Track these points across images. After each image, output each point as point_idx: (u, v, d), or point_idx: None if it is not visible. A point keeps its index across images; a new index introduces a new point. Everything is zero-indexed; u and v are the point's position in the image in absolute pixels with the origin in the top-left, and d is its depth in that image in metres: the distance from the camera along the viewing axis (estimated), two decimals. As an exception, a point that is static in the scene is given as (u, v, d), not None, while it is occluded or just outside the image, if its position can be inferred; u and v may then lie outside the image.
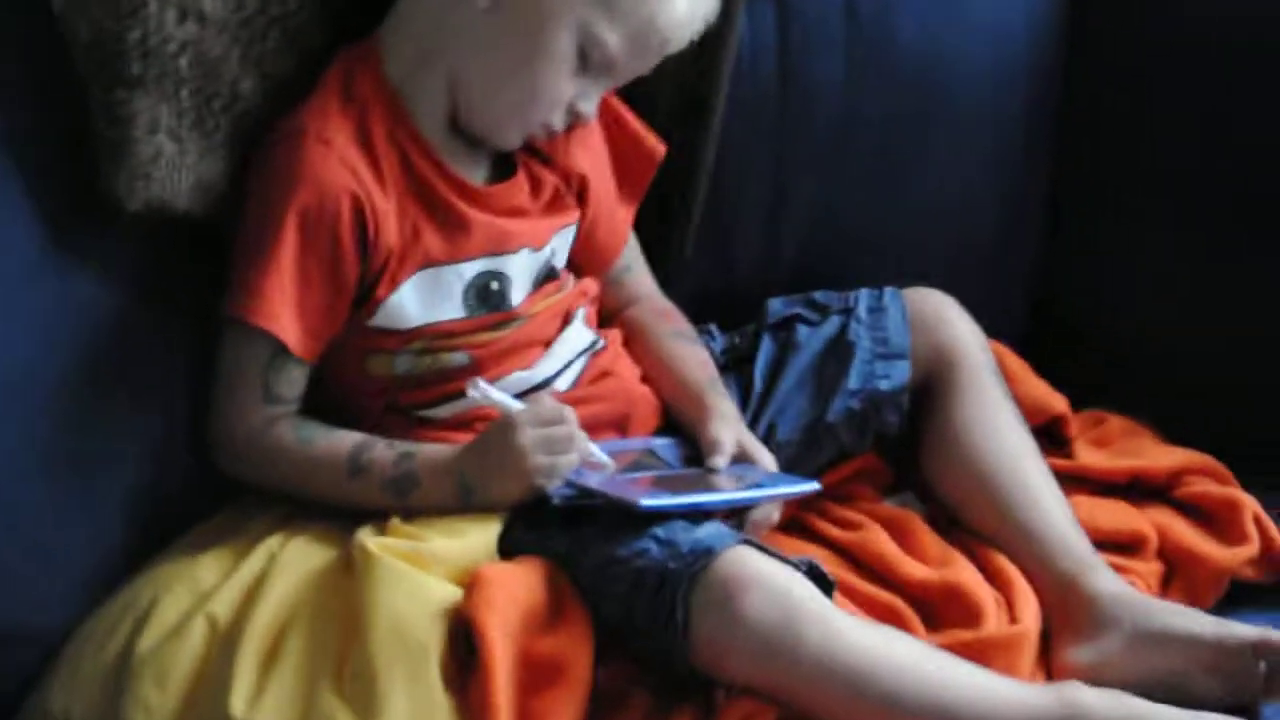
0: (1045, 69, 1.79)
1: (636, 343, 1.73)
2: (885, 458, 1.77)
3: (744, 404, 1.71)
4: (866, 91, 1.79)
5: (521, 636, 1.41)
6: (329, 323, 1.55)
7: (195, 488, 1.58)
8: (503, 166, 1.64)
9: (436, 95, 1.59)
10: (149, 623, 1.45)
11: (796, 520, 1.69)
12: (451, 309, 1.59)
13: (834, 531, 1.67)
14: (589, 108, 1.61)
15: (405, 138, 1.58)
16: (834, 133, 1.79)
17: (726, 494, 1.53)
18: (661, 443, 1.66)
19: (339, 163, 1.53)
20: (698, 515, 1.50)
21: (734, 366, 1.75)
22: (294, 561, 1.50)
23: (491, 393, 1.53)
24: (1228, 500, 1.71)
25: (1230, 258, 1.81)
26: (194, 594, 1.47)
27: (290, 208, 1.51)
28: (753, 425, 1.69)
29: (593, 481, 1.52)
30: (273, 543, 1.52)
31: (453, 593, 1.44)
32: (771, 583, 1.39)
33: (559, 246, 1.67)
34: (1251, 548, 1.66)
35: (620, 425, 1.66)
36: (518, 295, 1.62)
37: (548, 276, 1.66)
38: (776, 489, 1.57)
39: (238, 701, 1.36)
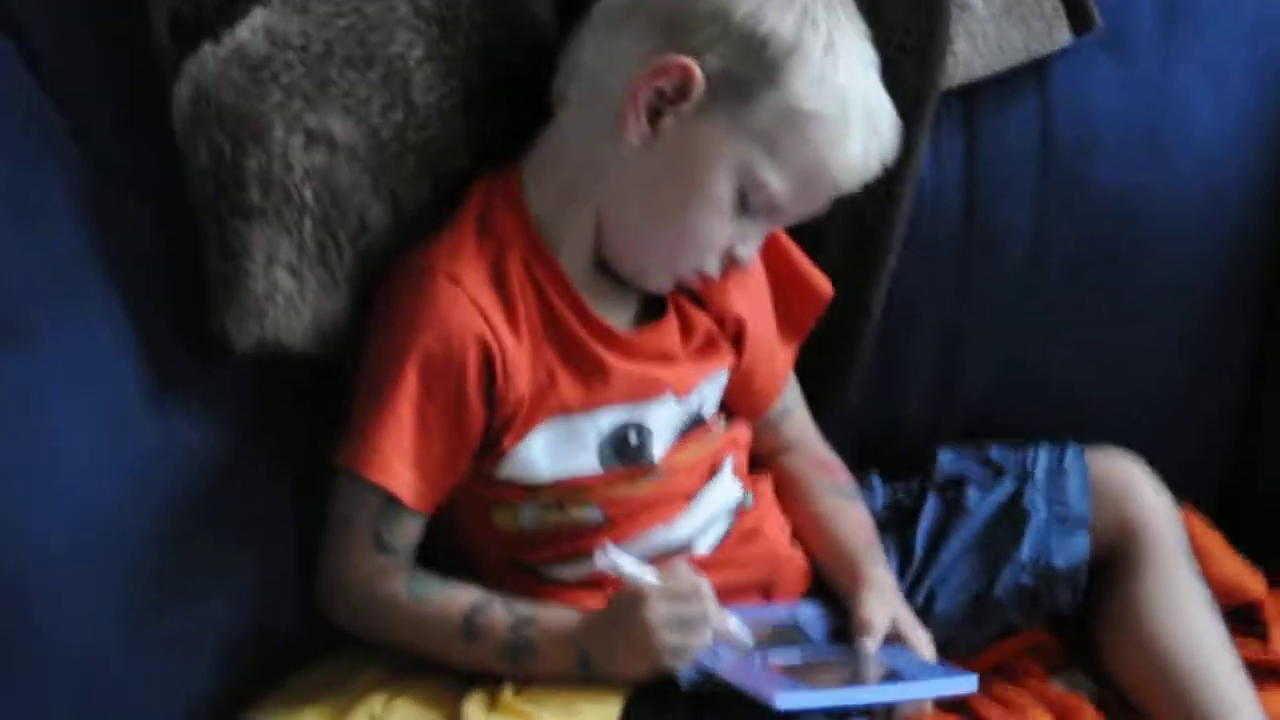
0: (1254, 225, 1.45)
1: (789, 495, 1.40)
2: (1056, 633, 1.42)
3: (903, 569, 1.39)
4: (1056, 238, 1.46)
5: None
6: (449, 474, 1.25)
7: (295, 637, 1.29)
8: (652, 307, 1.32)
9: (582, 233, 1.27)
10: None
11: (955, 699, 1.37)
12: (585, 461, 1.27)
13: (994, 715, 1.33)
14: (747, 252, 1.28)
15: (545, 277, 1.26)
16: (1019, 278, 1.46)
17: (871, 692, 1.22)
18: (808, 612, 1.34)
19: (469, 305, 1.22)
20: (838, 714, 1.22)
21: (894, 526, 1.41)
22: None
23: (623, 563, 1.22)
24: None
25: None
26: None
27: (413, 353, 1.21)
28: (910, 593, 1.37)
29: (726, 666, 1.21)
30: (375, 704, 1.22)
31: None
32: None
33: (709, 393, 1.35)
34: None
35: (764, 591, 1.35)
36: (659, 447, 1.30)
37: (694, 425, 1.33)
38: (928, 684, 1.24)
39: None
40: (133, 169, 1.23)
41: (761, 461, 1.43)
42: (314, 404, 1.30)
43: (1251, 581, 1.44)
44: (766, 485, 1.40)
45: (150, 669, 1.21)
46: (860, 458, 1.46)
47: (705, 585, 1.22)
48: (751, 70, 1.21)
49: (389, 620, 1.25)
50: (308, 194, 1.23)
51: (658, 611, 1.18)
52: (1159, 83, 1.46)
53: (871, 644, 1.26)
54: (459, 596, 1.25)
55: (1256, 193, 1.46)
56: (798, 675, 1.22)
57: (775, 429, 1.42)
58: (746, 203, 1.25)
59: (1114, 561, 1.38)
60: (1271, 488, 1.52)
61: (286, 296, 1.23)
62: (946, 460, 1.44)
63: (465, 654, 1.23)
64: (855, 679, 1.24)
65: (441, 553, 1.31)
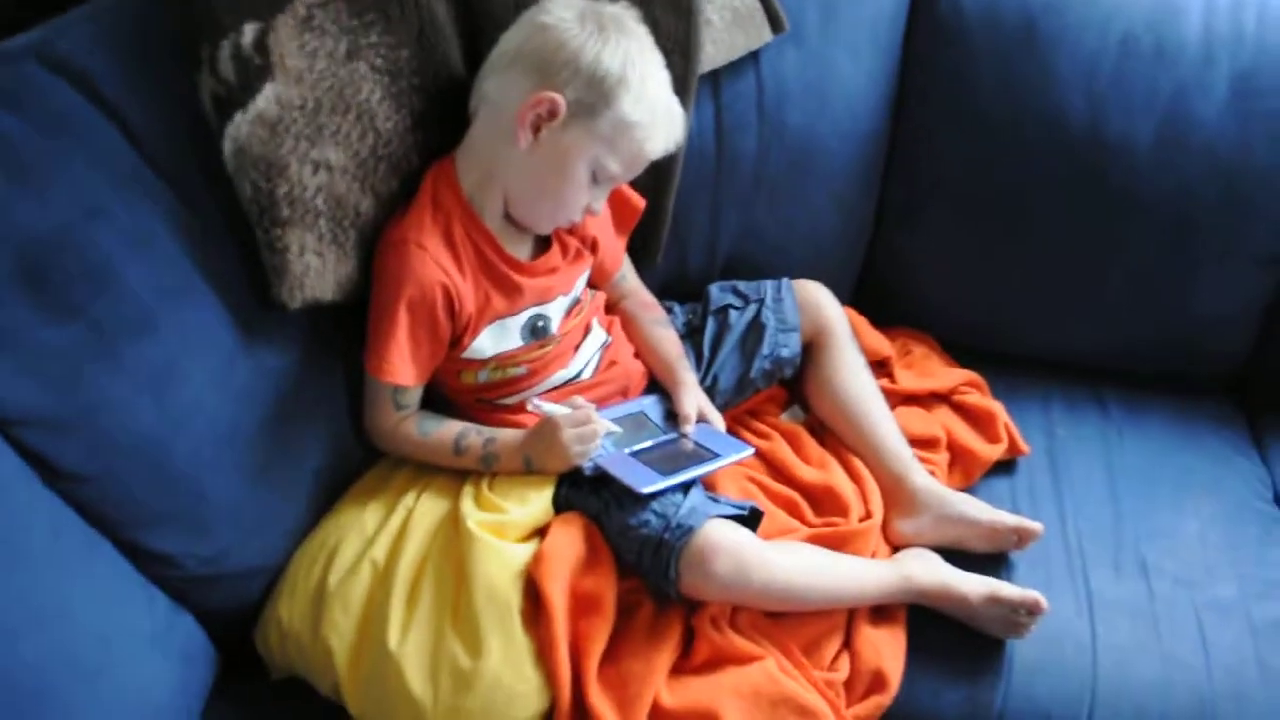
0: (874, 136, 1.29)
1: (630, 328, 1.27)
2: (783, 386, 1.32)
3: (698, 364, 1.27)
4: (769, 155, 1.28)
5: (570, 579, 1.05)
6: (433, 361, 1.12)
7: (358, 463, 1.15)
8: (543, 242, 1.16)
9: (496, 202, 1.10)
10: (334, 563, 1.08)
11: (731, 432, 1.24)
12: (512, 342, 1.14)
13: (754, 440, 1.24)
14: (598, 206, 1.13)
15: (476, 233, 1.10)
16: (748, 181, 1.29)
17: (695, 470, 1.10)
18: (649, 401, 1.23)
19: (433, 263, 1.07)
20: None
21: (690, 336, 1.29)
22: (425, 515, 1.10)
23: (543, 406, 1.12)
24: (987, 411, 1.29)
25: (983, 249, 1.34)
26: (362, 539, 1.09)
27: (401, 298, 1.06)
28: (703, 379, 1.26)
29: (607, 461, 1.11)
30: (409, 499, 1.11)
31: (526, 553, 1.06)
32: (728, 546, 1.04)
33: (580, 282, 1.20)
34: (1002, 446, 1.28)
35: (623, 393, 1.23)
36: (556, 324, 1.17)
37: (574, 304, 1.19)
38: (728, 457, 1.14)
39: (392, 635, 1.01)
40: (209, 202, 1.01)
41: (611, 308, 1.29)
42: (346, 328, 1.12)
43: (884, 345, 1.35)
44: (617, 326, 1.26)
45: (280, 497, 1.08)
46: (664, 294, 1.32)
47: (592, 410, 1.12)
48: (595, 97, 1.05)
49: (408, 448, 1.14)
50: (319, 202, 1.03)
51: (566, 431, 1.09)
52: (821, 58, 1.28)
53: (689, 427, 1.17)
54: (450, 429, 1.13)
55: (875, 118, 1.30)
56: (651, 460, 1.12)
57: (617, 288, 1.28)
58: (596, 179, 1.09)
59: (814, 345, 1.29)
60: (882, 279, 1.39)
61: (316, 270, 1.04)
62: (715, 294, 1.31)
63: (456, 462, 1.13)
64: (684, 459, 1.12)
65: (435, 396, 1.17)
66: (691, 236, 1.33)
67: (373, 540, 1.09)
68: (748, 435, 1.29)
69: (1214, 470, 1.32)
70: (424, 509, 1.11)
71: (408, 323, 1.08)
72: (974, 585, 1.11)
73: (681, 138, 1.14)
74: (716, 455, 1.14)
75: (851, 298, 1.43)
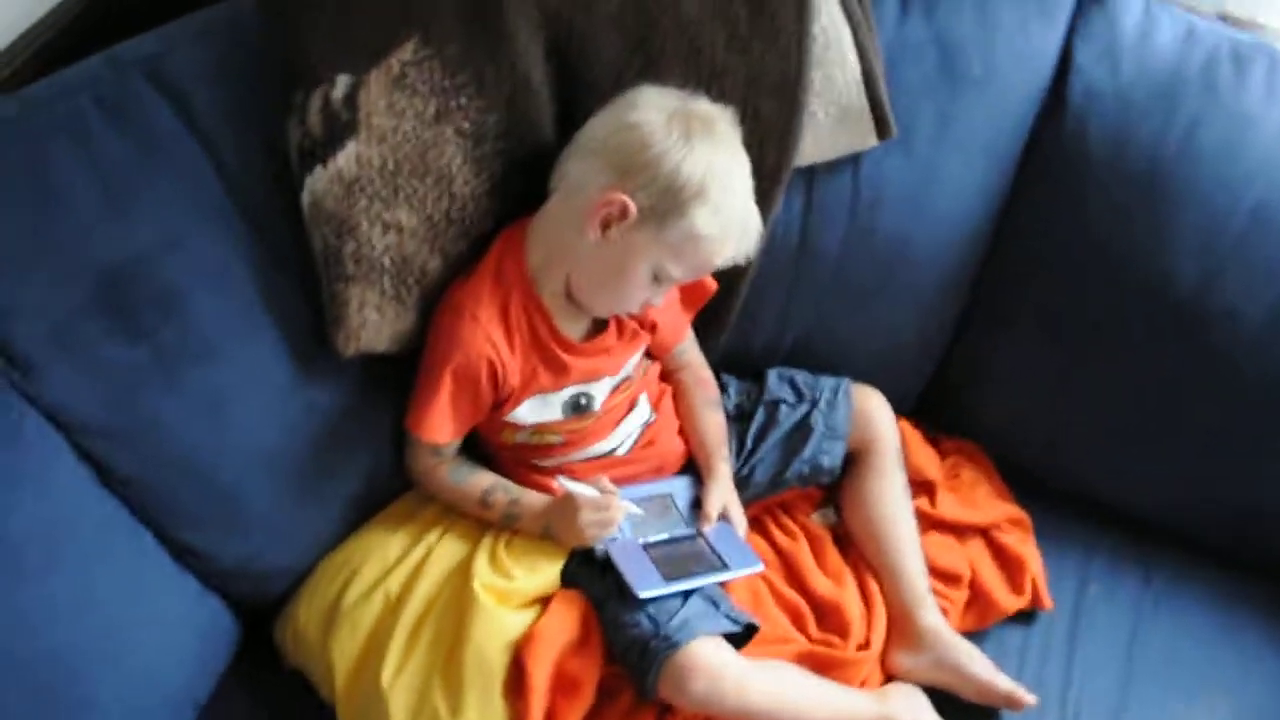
0: (968, 251, 1.22)
1: (679, 401, 1.26)
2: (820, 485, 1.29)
3: (739, 451, 1.26)
4: (852, 257, 1.23)
5: (558, 658, 1.08)
6: (472, 421, 1.14)
7: (394, 491, 1.18)
8: (599, 319, 1.15)
9: (557, 281, 1.10)
10: (353, 582, 1.14)
11: (759, 521, 1.27)
12: (552, 414, 1.15)
13: (778, 536, 1.26)
14: (658, 301, 1.12)
15: (533, 309, 1.11)
16: (827, 279, 1.24)
17: (699, 580, 1.10)
18: (680, 484, 1.23)
19: (484, 336, 1.08)
20: None
21: (737, 422, 1.27)
22: (443, 556, 1.14)
23: (567, 484, 1.15)
24: (1019, 558, 1.25)
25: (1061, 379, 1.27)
26: (382, 566, 1.15)
27: (449, 365, 1.09)
28: (741, 466, 1.25)
29: (616, 553, 1.12)
30: (431, 536, 1.16)
31: (522, 624, 1.09)
32: (707, 668, 1.05)
33: (633, 361, 1.19)
34: (1023, 600, 1.24)
35: (658, 471, 1.23)
36: (599, 402, 1.17)
37: (622, 382, 1.19)
38: (735, 571, 1.13)
39: (387, 672, 1.07)
40: (284, 242, 1.04)
41: (665, 376, 1.27)
42: (401, 370, 1.13)
43: (931, 468, 1.30)
44: (668, 403, 1.26)
45: (314, 514, 1.13)
46: (724, 366, 1.30)
47: (615, 497, 1.13)
48: (668, 206, 1.03)
49: (439, 491, 1.17)
50: (385, 261, 1.06)
51: (585, 514, 1.11)
52: (926, 167, 1.21)
53: (709, 526, 1.16)
54: (480, 482, 1.16)
55: (972, 234, 1.23)
56: (659, 558, 1.12)
57: (675, 359, 1.27)
58: (657, 278, 1.09)
59: (858, 456, 1.26)
60: (951, 388, 1.33)
61: (374, 325, 1.07)
62: (772, 383, 1.28)
63: (481, 514, 1.16)
64: (692, 564, 1.12)
65: (477, 445, 1.19)
66: (760, 318, 1.30)
67: (391, 570, 1.15)
68: (773, 532, 1.28)
69: (1242, 666, 1.25)
70: (444, 549, 1.16)
71: (451, 388, 1.10)
72: (949, 741, 1.13)
73: (754, 249, 1.11)
74: (725, 566, 1.14)
75: (916, 403, 1.39)
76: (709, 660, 1.06)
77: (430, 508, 1.21)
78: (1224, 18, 1.32)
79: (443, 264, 1.11)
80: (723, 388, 1.32)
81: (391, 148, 1.03)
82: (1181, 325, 1.21)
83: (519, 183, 1.12)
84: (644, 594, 1.09)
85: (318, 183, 1.01)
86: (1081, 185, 1.22)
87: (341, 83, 1.00)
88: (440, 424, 1.12)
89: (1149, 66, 1.20)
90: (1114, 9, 1.22)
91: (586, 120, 1.11)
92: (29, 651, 0.94)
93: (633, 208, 1.04)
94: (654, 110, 1.05)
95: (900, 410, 1.39)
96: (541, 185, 1.12)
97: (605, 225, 1.06)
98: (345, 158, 1.01)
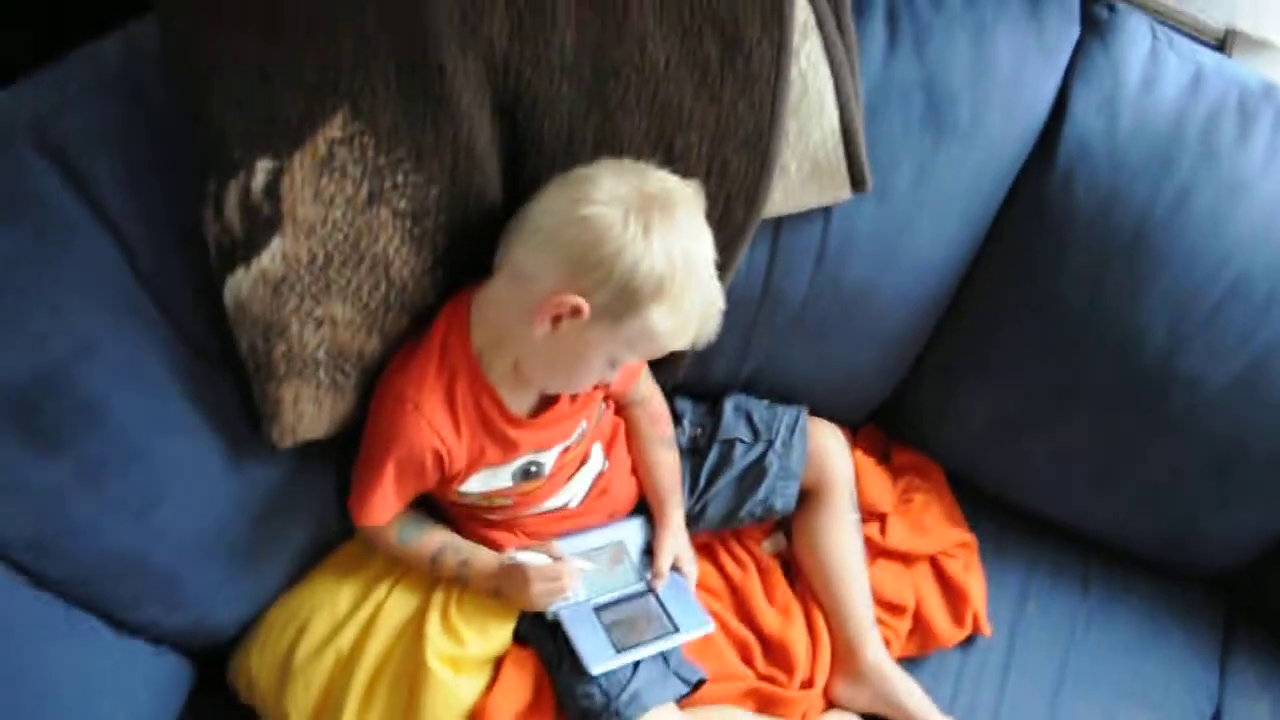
0: (941, 295, 1.18)
1: (631, 438, 1.22)
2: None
3: (692, 488, 1.24)
4: (817, 301, 1.16)
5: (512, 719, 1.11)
6: (416, 495, 1.10)
7: (339, 534, 1.15)
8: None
9: (505, 362, 1.03)
10: (303, 638, 1.13)
11: (709, 548, 1.27)
12: (501, 483, 1.11)
13: (729, 566, 1.26)
14: (612, 379, 1.07)
15: (480, 391, 1.04)
16: (789, 322, 1.17)
17: (650, 647, 1.10)
18: (632, 527, 1.21)
19: (428, 427, 1.02)
20: None
21: (690, 458, 1.24)
22: (393, 612, 1.13)
23: (519, 556, 1.11)
24: (961, 589, 1.27)
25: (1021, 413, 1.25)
26: (331, 622, 1.14)
27: (390, 455, 1.04)
28: (695, 501, 1.23)
29: (567, 621, 1.11)
30: (380, 591, 1.14)
31: (475, 691, 1.10)
32: None
33: (586, 422, 1.14)
34: (964, 631, 1.28)
35: (610, 517, 1.21)
36: (549, 467, 1.13)
37: (573, 443, 1.14)
38: (685, 634, 1.13)
39: (343, 730, 1.13)
40: (208, 334, 0.96)
41: (619, 409, 1.22)
42: (338, 445, 1.08)
43: (884, 501, 1.29)
44: (620, 447, 1.22)
45: (241, 578, 1.09)
46: (681, 389, 1.26)
47: (566, 567, 1.12)
48: (623, 306, 0.96)
49: (387, 551, 1.14)
50: (320, 354, 0.98)
51: (536, 585, 1.10)
52: (900, 219, 1.13)
53: (660, 582, 1.16)
54: (429, 543, 1.13)
55: (941, 284, 1.17)
56: (611, 622, 1.12)
57: (628, 396, 1.21)
58: (612, 364, 1.03)
59: (811, 495, 1.25)
60: (908, 406, 1.30)
61: (310, 416, 1.01)
62: (728, 418, 1.24)
63: (431, 572, 1.14)
64: (642, 628, 1.12)
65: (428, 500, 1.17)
66: (718, 351, 1.20)
67: (341, 626, 1.14)
68: (724, 561, 1.29)
69: (1165, 679, 1.32)
70: (393, 605, 1.14)
71: (394, 475, 1.06)
72: (879, 780, 1.20)
73: (715, 331, 1.03)
74: (675, 630, 1.14)
75: (872, 416, 1.37)
76: (656, 729, 1.12)
77: (378, 556, 1.18)
78: (1231, 31, 1.22)
79: (382, 344, 1.04)
80: (677, 417, 1.29)
81: (321, 240, 0.94)
82: (1144, 387, 1.19)
83: (463, 252, 1.03)
84: (596, 669, 1.10)
85: (241, 284, 0.92)
86: (1060, 242, 1.16)
87: (261, 170, 0.90)
88: (383, 508, 1.09)
89: (1149, 120, 1.11)
90: (1119, 48, 1.12)
91: (535, 185, 1.00)
92: None
93: (586, 309, 0.96)
94: (608, 200, 0.95)
95: (856, 423, 1.40)
96: (488, 251, 1.03)
97: (555, 320, 0.99)
98: (270, 256, 0.92)
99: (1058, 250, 1.16)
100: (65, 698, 1.01)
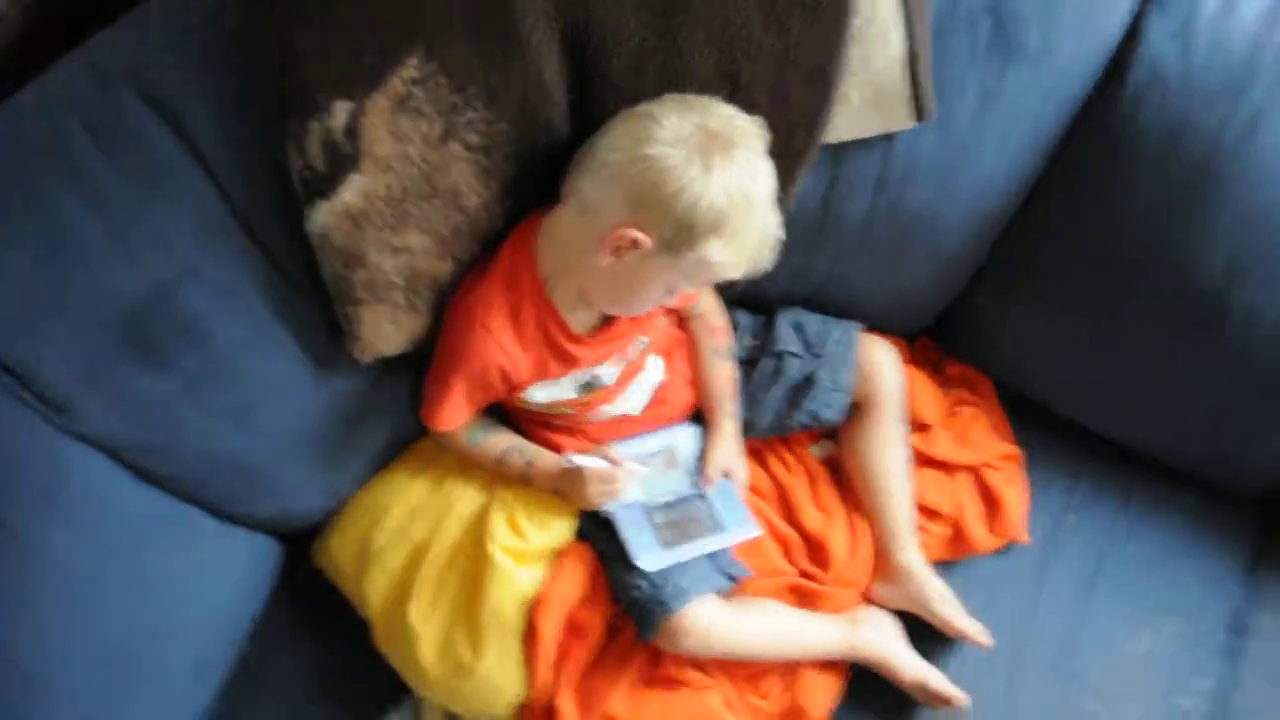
0: (1003, 218, 1.19)
1: (691, 349, 1.29)
2: None
3: (746, 395, 1.31)
4: (876, 223, 1.19)
5: (567, 611, 1.22)
6: (484, 406, 1.20)
7: (416, 436, 1.25)
8: None
9: (570, 287, 1.11)
10: (380, 524, 1.25)
11: (759, 453, 1.34)
12: (564, 394, 1.20)
13: (776, 469, 1.33)
14: (672, 303, 1.14)
15: (545, 312, 1.12)
16: (849, 242, 1.21)
17: (698, 547, 1.20)
18: (686, 435, 1.29)
19: (496, 346, 1.11)
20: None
21: (747, 365, 1.32)
22: (463, 506, 1.23)
23: (577, 460, 1.21)
24: (1001, 501, 1.33)
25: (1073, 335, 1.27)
26: (406, 511, 1.25)
27: (460, 370, 1.13)
28: (748, 410, 1.30)
29: (620, 520, 1.21)
30: (450, 486, 1.24)
31: (535, 581, 1.21)
32: (698, 629, 1.19)
33: (644, 339, 1.21)
34: (999, 542, 1.34)
35: (668, 423, 1.28)
36: (609, 379, 1.21)
37: (635, 356, 1.22)
38: (732, 534, 1.23)
39: (414, 612, 1.21)
40: (296, 261, 1.04)
41: (678, 323, 1.29)
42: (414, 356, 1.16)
43: (930, 413, 1.35)
44: (679, 357, 1.28)
45: (327, 475, 1.21)
46: (739, 302, 1.30)
47: (621, 471, 1.21)
48: (682, 240, 1.02)
49: (457, 451, 1.24)
50: (397, 279, 1.07)
51: (592, 486, 1.20)
52: (963, 146, 1.13)
53: (710, 487, 1.25)
54: (496, 444, 1.23)
55: (1003, 209, 1.18)
56: (661, 524, 1.21)
57: (689, 311, 1.27)
58: (670, 292, 1.09)
59: (861, 404, 1.31)
60: (963, 319, 1.33)
61: (388, 334, 1.10)
62: (782, 330, 1.30)
63: (497, 471, 1.24)
64: (691, 530, 1.21)
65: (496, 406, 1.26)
66: (777, 270, 1.19)
67: (415, 517, 1.25)
68: (772, 465, 1.36)
69: (1196, 590, 1.37)
70: (463, 498, 1.25)
71: (463, 387, 1.15)
72: (909, 670, 1.27)
73: (771, 261, 1.08)
74: (722, 531, 1.24)
75: (927, 330, 1.40)
76: (699, 622, 1.19)
77: (449, 455, 1.28)
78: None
79: (454, 268, 1.11)
80: (734, 328, 1.35)
81: (397, 175, 1.00)
82: (1201, 314, 1.21)
83: (531, 183, 1.09)
84: (644, 564, 1.20)
85: (322, 216, 0.99)
86: (1125, 169, 1.16)
87: (341, 111, 0.95)
88: (453, 417, 1.18)
89: (1223, 46, 1.09)
90: (1196, -29, 1.11)
91: (603, 117, 1.05)
92: (104, 631, 1.07)
93: (647, 242, 1.02)
94: (672, 140, 0.99)
95: (910, 336, 1.44)
96: (555, 181, 1.09)
97: (617, 250, 1.05)
98: (350, 192, 0.98)
99: (1123, 177, 1.17)
100: (175, 577, 1.16)
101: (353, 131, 0.96)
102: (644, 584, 1.21)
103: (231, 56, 0.98)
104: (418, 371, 1.22)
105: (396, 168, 1.00)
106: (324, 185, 0.98)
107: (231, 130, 0.99)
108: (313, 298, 1.09)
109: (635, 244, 1.03)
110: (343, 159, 0.97)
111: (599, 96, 1.05)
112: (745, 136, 1.03)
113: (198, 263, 1.01)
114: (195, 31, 0.97)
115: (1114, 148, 1.16)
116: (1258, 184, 1.12)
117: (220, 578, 1.22)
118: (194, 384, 1.05)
